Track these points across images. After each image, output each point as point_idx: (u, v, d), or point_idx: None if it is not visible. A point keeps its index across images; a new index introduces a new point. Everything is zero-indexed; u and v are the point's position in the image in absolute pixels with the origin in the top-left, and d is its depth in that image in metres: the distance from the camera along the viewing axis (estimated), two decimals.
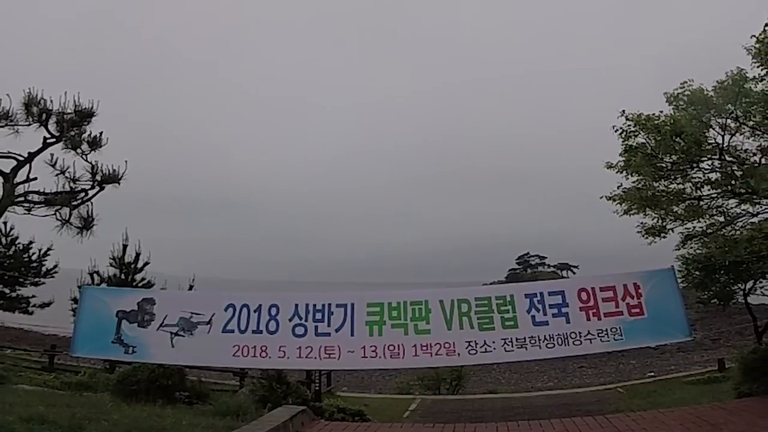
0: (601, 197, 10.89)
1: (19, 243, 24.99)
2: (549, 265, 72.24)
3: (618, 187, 10.72)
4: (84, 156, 11.61)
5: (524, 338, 8.64)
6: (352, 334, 8.86)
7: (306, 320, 9.06)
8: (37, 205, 11.66)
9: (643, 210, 10.61)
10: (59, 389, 12.21)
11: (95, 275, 21.36)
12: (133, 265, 22.16)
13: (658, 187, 10.35)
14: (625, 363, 28.20)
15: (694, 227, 11.38)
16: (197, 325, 9.39)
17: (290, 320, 9.10)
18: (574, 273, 68.28)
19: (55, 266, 24.06)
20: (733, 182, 9.88)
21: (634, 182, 10.56)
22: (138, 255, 22.20)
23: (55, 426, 6.41)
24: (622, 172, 10.46)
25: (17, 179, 11.24)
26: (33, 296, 24.28)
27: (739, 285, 15.73)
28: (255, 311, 9.24)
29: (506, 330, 8.68)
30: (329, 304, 9.11)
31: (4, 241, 25.30)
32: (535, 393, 20.83)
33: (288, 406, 9.69)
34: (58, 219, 11.61)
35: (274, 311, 9.20)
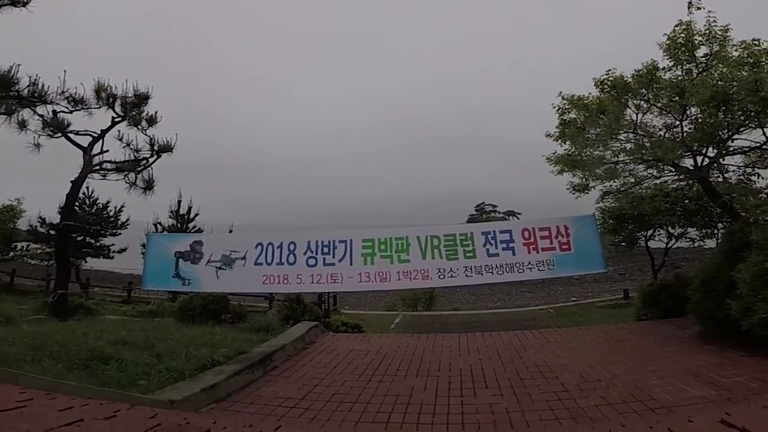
0: (542, 156, 10.71)
1: (99, 203, 25.26)
2: (499, 212, 71.16)
3: (553, 153, 10.52)
4: (143, 131, 11.53)
5: (480, 266, 8.49)
6: (351, 264, 8.71)
7: (316, 254, 8.89)
8: (109, 172, 11.52)
9: (572, 171, 10.44)
10: (135, 317, 12.10)
11: (158, 225, 21.38)
12: (186, 216, 22.14)
13: (585, 153, 10.14)
14: (554, 289, 28.55)
15: (611, 186, 11.22)
16: (235, 261, 9.25)
17: (304, 254, 8.93)
18: (518, 218, 68.22)
19: (128, 220, 24.42)
20: (643, 151, 9.69)
21: (566, 149, 10.36)
22: (189, 208, 22.27)
23: (134, 346, 6.32)
24: (557, 141, 10.29)
25: (93, 152, 11.11)
26: (112, 244, 24.44)
27: (642, 232, 15.75)
28: (278, 248, 9.07)
29: (467, 260, 8.52)
30: (333, 241, 8.93)
31: (88, 202, 25.55)
32: (487, 311, 20.96)
33: (305, 322, 9.63)
34: (126, 182, 11.52)
35: (292, 247, 9.02)
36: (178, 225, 21.52)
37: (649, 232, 15.71)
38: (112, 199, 24.58)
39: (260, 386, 6.10)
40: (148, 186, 11.34)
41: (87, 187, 24.97)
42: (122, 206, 25.55)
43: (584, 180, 10.55)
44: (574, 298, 23.54)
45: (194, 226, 21.83)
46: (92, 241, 24.91)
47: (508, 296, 28.37)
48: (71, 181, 10.86)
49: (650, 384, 5.31)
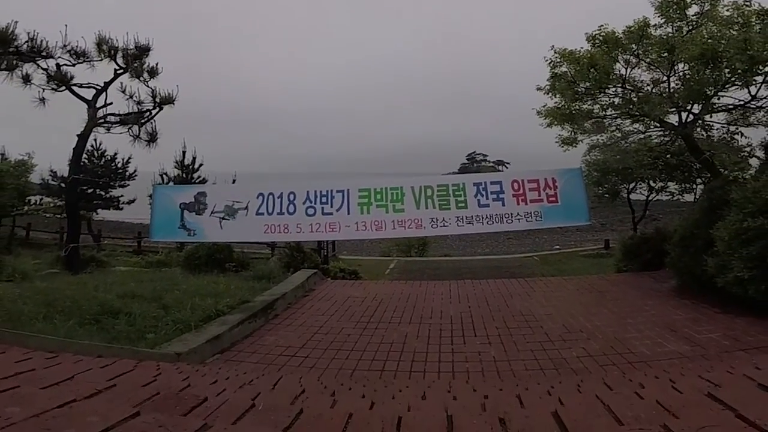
0: (532, 109, 10.36)
1: (107, 155, 24.77)
2: (489, 161, 71.09)
3: (543, 106, 10.15)
4: (145, 83, 11.12)
5: (471, 216, 8.36)
6: (348, 213, 8.53)
7: (315, 203, 8.71)
8: (113, 125, 11.18)
9: (561, 124, 10.10)
10: (145, 268, 12.05)
11: (164, 176, 21.07)
12: (191, 166, 21.82)
13: (574, 107, 9.79)
14: (540, 237, 28.52)
15: (598, 140, 10.94)
16: (237, 211, 9.07)
17: (303, 203, 8.72)
18: (507, 168, 68.16)
19: (135, 171, 24.00)
20: (630, 106, 9.37)
21: (556, 102, 9.98)
22: (194, 159, 21.94)
23: (143, 299, 6.29)
24: (548, 94, 9.88)
25: (97, 105, 10.78)
26: (121, 195, 24.19)
27: (625, 185, 15.64)
28: (278, 198, 8.86)
29: (459, 210, 8.39)
30: (331, 190, 8.71)
31: (96, 154, 25.02)
32: (476, 257, 21.00)
33: (305, 270, 9.65)
34: (130, 135, 11.18)
35: (291, 197, 8.82)
36: (183, 175, 21.23)
37: (631, 185, 15.62)
38: (120, 151, 24.11)
39: (262, 335, 6.14)
40: (152, 138, 11.05)
41: (95, 140, 24.55)
42: (129, 158, 25.16)
43: (572, 133, 10.24)
44: (557, 247, 23.63)
45: (199, 176, 21.54)
46: (102, 193, 24.65)
47: (496, 243, 28.47)
48: (77, 135, 10.62)
49: (629, 337, 5.35)
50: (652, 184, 15.13)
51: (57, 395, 1.79)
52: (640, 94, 9.31)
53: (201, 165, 21.89)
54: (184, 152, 21.68)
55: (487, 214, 8.44)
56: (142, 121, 11.08)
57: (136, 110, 11.10)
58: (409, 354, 5.18)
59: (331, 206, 8.71)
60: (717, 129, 10.03)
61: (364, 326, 6.41)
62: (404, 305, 7.53)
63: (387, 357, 5.13)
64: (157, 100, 11.12)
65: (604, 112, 9.75)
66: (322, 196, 8.79)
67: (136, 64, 10.72)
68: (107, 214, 26.19)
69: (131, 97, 11.01)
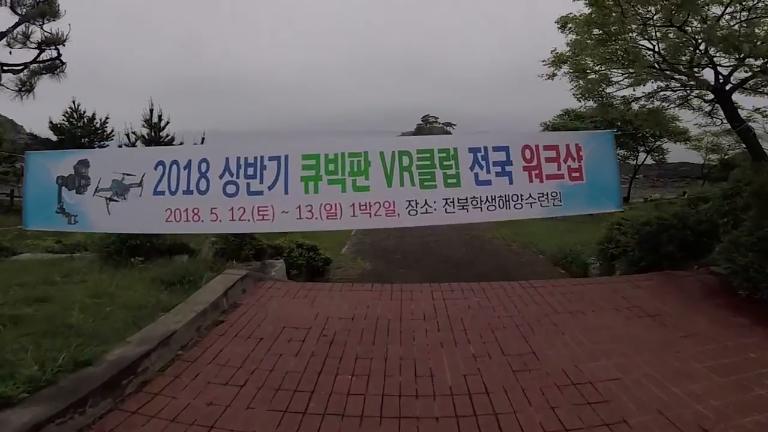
0: (541, 61, 6.01)
1: (86, 115, 19.51)
2: (440, 123, 65.70)
3: (554, 50, 5.88)
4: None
5: (466, 198, 4.18)
6: (286, 192, 4.15)
7: (237, 176, 4.24)
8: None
9: (574, 72, 5.86)
10: (59, 253, 7.35)
11: (130, 135, 15.53)
12: (158, 125, 16.37)
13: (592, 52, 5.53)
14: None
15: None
16: (129, 188, 4.42)
17: (221, 177, 4.25)
18: (453, 128, 63.83)
19: (112, 131, 19.13)
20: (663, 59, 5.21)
21: (569, 44, 5.69)
22: (160, 117, 16.28)
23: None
24: (563, 30, 5.61)
25: None
26: None
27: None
28: (185, 168, 4.32)
29: (448, 189, 4.16)
30: (261, 157, 4.24)
31: (75, 115, 19.72)
32: (441, 224, 16.76)
33: (228, 274, 5.06)
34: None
35: (204, 167, 4.29)
36: (152, 134, 15.77)
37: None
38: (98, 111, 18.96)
39: None
40: (24, 88, 5.99)
41: (73, 101, 18.63)
42: (107, 118, 19.53)
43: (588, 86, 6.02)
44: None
45: (167, 135, 16.00)
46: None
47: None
48: None
49: None
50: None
51: None
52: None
53: (168, 123, 16.27)
54: (151, 110, 15.96)
55: (489, 196, 4.18)
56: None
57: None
58: None
59: (261, 181, 4.20)
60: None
61: (293, 425, 2.25)
62: (368, 351, 3.39)
63: None
64: (41, 39, 6.03)
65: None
66: (248, 165, 4.25)
67: None
68: None
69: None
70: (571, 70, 5.80)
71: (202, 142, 14.42)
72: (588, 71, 5.75)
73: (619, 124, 9.46)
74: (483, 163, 4.20)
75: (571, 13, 5.57)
